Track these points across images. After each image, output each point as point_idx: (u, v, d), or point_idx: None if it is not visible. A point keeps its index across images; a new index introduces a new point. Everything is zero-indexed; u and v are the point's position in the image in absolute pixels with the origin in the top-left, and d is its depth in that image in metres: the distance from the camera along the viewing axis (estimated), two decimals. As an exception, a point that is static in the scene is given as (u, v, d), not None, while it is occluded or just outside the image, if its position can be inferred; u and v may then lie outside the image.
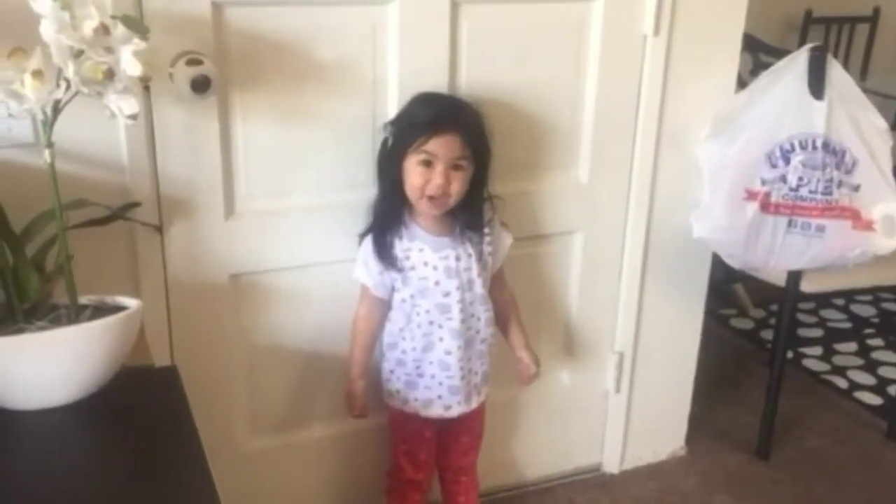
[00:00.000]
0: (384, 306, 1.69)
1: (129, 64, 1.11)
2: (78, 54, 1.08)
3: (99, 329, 1.15)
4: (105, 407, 1.16)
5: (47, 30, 1.06)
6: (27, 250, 1.24)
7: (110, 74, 1.10)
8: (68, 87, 1.09)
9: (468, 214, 1.65)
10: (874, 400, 2.63)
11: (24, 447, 1.10)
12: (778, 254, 2.00)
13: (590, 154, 1.90)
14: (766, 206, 1.96)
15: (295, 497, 1.90)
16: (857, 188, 1.96)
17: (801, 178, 1.94)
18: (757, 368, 2.71)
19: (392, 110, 1.66)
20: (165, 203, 1.56)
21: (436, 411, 1.72)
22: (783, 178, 1.94)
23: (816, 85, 1.94)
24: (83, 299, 1.22)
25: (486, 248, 1.68)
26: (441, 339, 1.66)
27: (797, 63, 1.95)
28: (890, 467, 2.34)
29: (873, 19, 4.09)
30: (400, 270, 1.63)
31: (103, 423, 1.17)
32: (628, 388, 2.18)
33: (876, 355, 2.90)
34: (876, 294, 3.22)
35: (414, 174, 1.56)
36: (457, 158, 1.56)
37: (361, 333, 1.71)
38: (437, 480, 1.89)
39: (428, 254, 1.62)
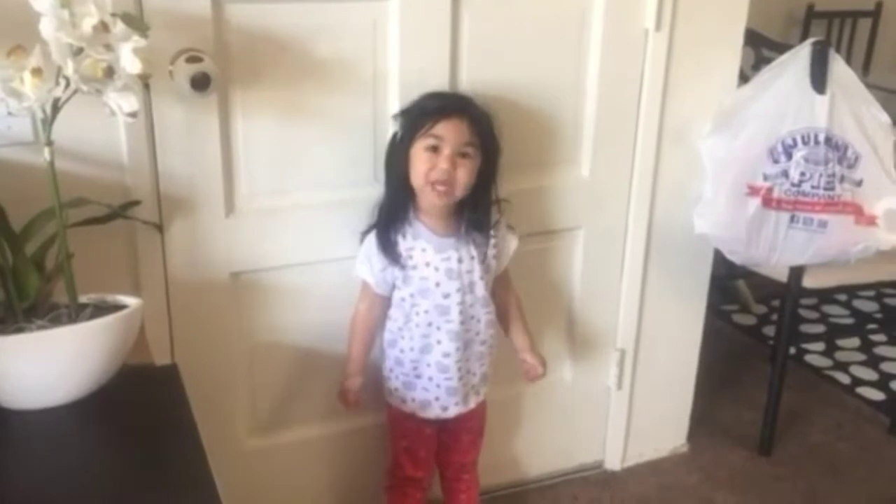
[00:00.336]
0: (385, 304, 1.69)
1: (129, 61, 1.11)
2: (77, 52, 1.08)
3: (99, 328, 1.15)
4: (105, 406, 1.16)
5: (47, 27, 1.06)
6: (27, 249, 1.23)
7: (110, 72, 1.10)
8: (68, 84, 1.09)
9: (475, 214, 1.63)
10: (877, 395, 2.63)
11: (24, 446, 1.10)
12: (780, 249, 2.00)
13: (591, 150, 1.90)
14: (768, 202, 1.95)
15: (296, 495, 1.90)
16: (859, 183, 1.96)
17: (803, 174, 1.93)
18: (759, 364, 2.70)
19: (393, 107, 1.65)
20: (166, 201, 1.55)
21: (433, 412, 1.71)
22: (785, 174, 1.94)
23: (819, 80, 1.93)
24: (83, 298, 1.22)
25: (491, 251, 1.67)
26: (439, 342, 1.65)
27: (799, 58, 1.95)
28: (893, 463, 2.33)
29: (875, 14, 4.08)
30: (403, 267, 1.62)
31: (103, 421, 1.17)
32: (630, 384, 2.18)
33: (878, 351, 2.89)
34: (878, 289, 3.21)
35: (420, 160, 1.55)
36: (464, 144, 1.55)
37: (360, 331, 1.71)
38: (438, 478, 1.89)
39: (430, 254, 1.61)
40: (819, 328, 3.05)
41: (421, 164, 1.55)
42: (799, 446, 2.38)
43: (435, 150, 1.54)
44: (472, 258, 1.64)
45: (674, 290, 2.13)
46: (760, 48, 2.63)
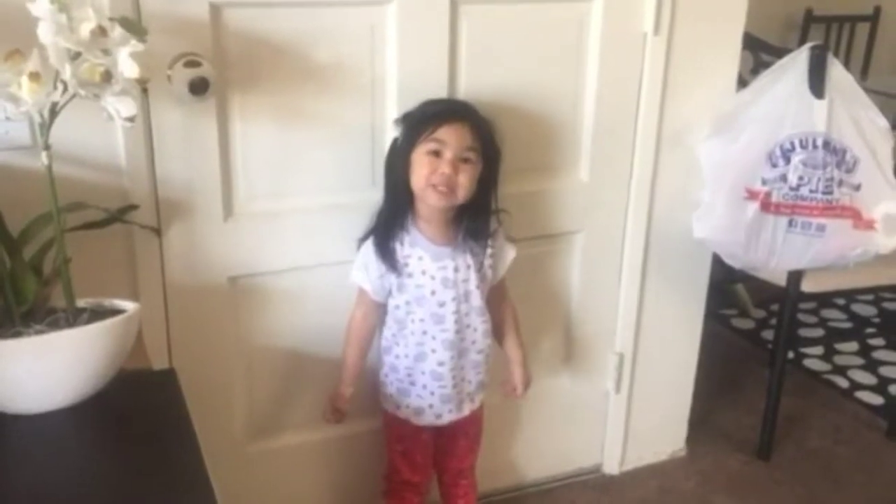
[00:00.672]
0: (381, 310, 1.69)
1: (127, 66, 1.10)
2: (75, 56, 1.08)
3: (97, 332, 1.14)
4: (103, 410, 1.16)
5: (45, 32, 1.06)
6: (25, 253, 1.23)
7: (108, 76, 1.09)
8: (65, 89, 1.09)
9: (474, 223, 1.62)
10: (875, 400, 2.63)
11: (21, 451, 1.10)
12: (778, 253, 2.00)
13: (590, 154, 1.90)
14: (766, 206, 1.95)
15: (294, 499, 1.90)
16: (857, 187, 1.96)
17: (801, 178, 1.93)
18: (757, 368, 2.70)
19: (391, 111, 1.65)
20: (164, 205, 1.55)
21: (427, 419, 1.71)
22: (784, 178, 1.94)
23: (817, 84, 1.93)
24: (81, 302, 1.21)
25: (487, 261, 1.66)
26: (434, 351, 1.65)
27: (798, 62, 1.95)
28: (891, 467, 2.33)
29: (874, 18, 4.09)
30: (399, 274, 1.62)
31: (101, 426, 1.17)
32: (629, 388, 2.18)
33: (877, 355, 2.89)
34: (877, 294, 3.21)
35: (421, 164, 1.53)
36: (466, 149, 1.54)
37: (356, 338, 1.70)
38: (436, 483, 1.88)
39: (427, 263, 1.61)
40: (818, 332, 3.05)
41: (422, 168, 1.54)
42: (797, 450, 2.38)
43: (437, 154, 1.53)
44: (469, 267, 1.63)
45: (672, 294, 2.13)
46: (759, 52, 2.63)
